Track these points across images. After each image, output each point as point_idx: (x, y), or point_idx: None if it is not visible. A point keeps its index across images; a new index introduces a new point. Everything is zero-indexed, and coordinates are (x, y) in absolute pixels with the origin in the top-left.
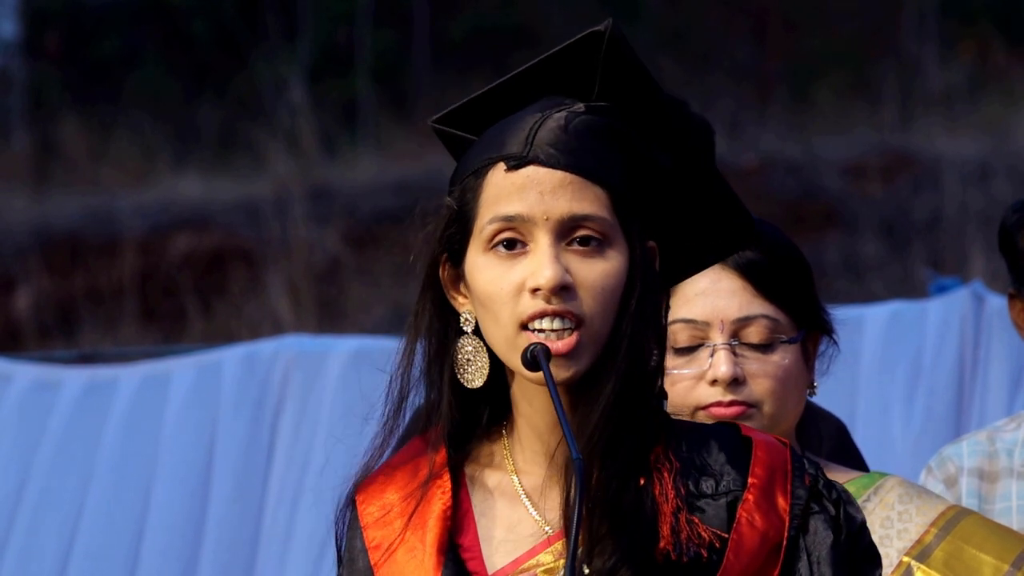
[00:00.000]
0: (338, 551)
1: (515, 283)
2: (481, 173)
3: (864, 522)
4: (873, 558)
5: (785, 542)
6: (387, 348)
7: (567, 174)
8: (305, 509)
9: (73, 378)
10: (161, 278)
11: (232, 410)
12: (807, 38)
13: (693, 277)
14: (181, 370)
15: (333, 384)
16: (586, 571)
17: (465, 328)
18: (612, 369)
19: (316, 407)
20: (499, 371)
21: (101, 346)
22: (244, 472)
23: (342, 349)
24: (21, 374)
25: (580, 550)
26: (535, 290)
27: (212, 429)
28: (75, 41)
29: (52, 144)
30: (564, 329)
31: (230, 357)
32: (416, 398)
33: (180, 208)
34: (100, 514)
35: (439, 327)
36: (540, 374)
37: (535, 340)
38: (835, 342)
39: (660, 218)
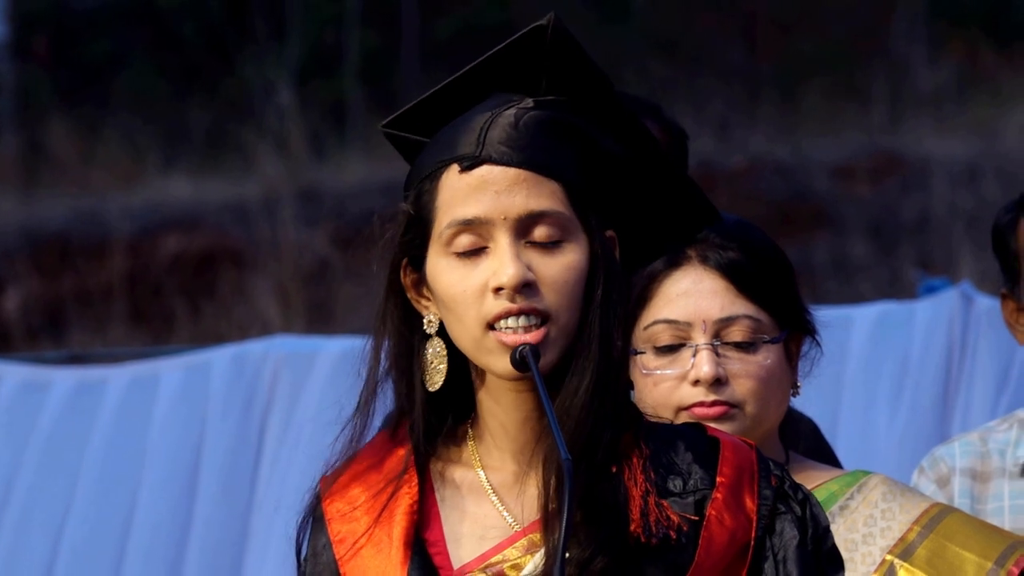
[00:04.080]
0: (297, 547)
1: (478, 284)
2: (435, 176)
3: (828, 525)
4: (836, 561)
5: (753, 542)
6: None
7: (521, 171)
8: (293, 505)
9: (62, 379)
10: (150, 279)
11: (221, 410)
12: (797, 40)
13: (675, 277)
14: (170, 370)
15: (322, 384)
16: (566, 555)
17: (429, 331)
18: (586, 363)
19: (305, 407)
20: (461, 371)
21: (90, 347)
22: (232, 472)
23: (331, 349)
24: (10, 375)
25: (555, 539)
26: (498, 289)
27: (200, 429)
28: (63, 43)
29: (41, 146)
30: (531, 325)
31: (219, 357)
32: (384, 398)
33: (169, 209)
34: (87, 514)
35: (404, 330)
36: (513, 373)
37: (503, 339)
38: (818, 343)
39: (617, 207)
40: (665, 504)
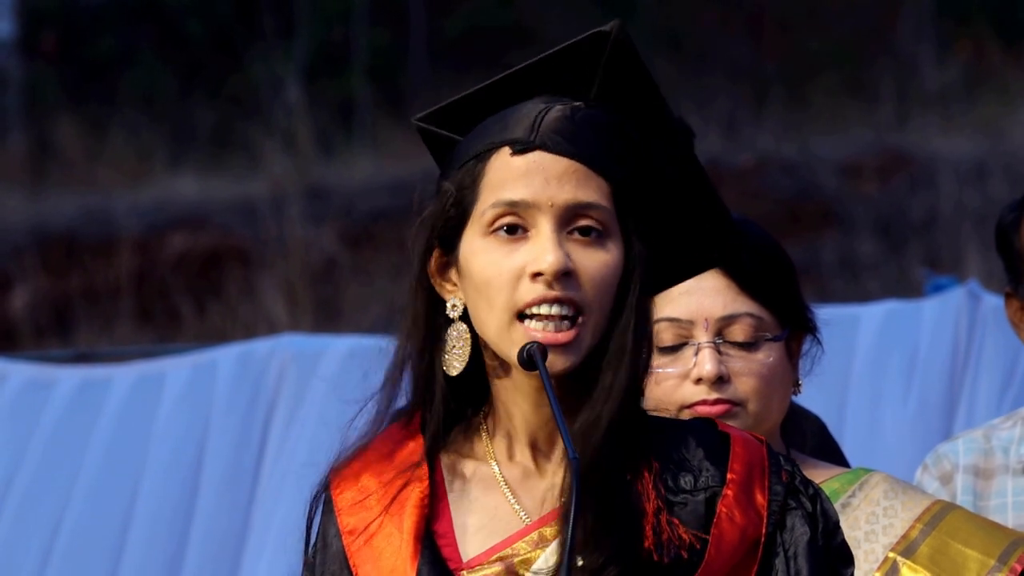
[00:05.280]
0: (307, 534)
1: (515, 268)
2: (484, 157)
3: (838, 520)
4: (846, 557)
5: (763, 539)
6: (383, 347)
7: (572, 162)
8: (293, 504)
9: (67, 377)
10: (157, 277)
11: (225, 408)
12: (803, 38)
13: None
14: (176, 369)
15: (328, 383)
16: (580, 563)
17: (452, 315)
18: (619, 365)
19: (311, 406)
20: (480, 360)
21: (97, 345)
22: (234, 468)
23: (338, 348)
24: (16, 373)
25: (568, 544)
26: (536, 275)
27: (205, 426)
28: (71, 40)
29: (48, 143)
30: (564, 317)
31: (226, 356)
32: (406, 388)
33: (176, 207)
34: (84, 510)
35: (431, 314)
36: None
37: (529, 330)
38: (819, 341)
39: (651, 221)
40: (677, 523)
